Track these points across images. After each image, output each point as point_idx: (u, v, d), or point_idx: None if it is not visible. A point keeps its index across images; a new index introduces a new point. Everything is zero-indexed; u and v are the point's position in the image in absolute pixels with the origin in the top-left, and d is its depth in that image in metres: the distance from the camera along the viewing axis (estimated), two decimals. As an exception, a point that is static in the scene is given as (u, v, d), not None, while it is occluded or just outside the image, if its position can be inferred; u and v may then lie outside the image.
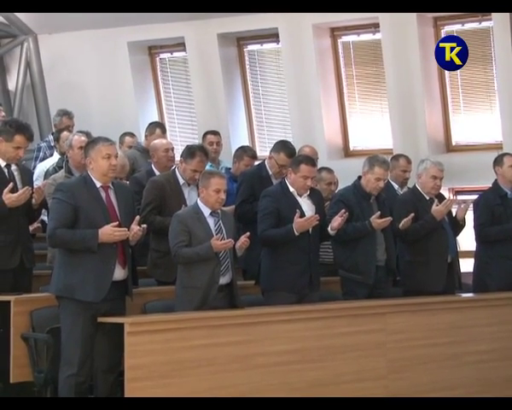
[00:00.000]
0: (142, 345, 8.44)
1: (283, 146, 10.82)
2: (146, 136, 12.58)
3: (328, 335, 9.40)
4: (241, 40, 14.57)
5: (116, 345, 8.49)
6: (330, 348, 9.36)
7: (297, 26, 13.60)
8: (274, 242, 9.60)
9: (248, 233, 9.08)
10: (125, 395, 8.31)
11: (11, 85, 15.58)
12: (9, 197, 8.92)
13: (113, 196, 8.61)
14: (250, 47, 14.77)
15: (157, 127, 12.64)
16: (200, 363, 8.70)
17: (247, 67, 14.83)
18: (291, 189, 9.66)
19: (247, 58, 14.82)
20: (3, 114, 13.28)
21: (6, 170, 9.26)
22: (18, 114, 15.38)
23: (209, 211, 8.99)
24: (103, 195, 8.54)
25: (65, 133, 11.96)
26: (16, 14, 14.92)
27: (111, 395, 8.64)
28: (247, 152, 12.09)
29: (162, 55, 15.42)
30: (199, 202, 9.13)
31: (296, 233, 9.32)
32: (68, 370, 8.43)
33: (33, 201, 9.36)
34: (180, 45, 14.83)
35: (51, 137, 13.49)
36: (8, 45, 15.49)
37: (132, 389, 8.26)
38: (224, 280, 9.10)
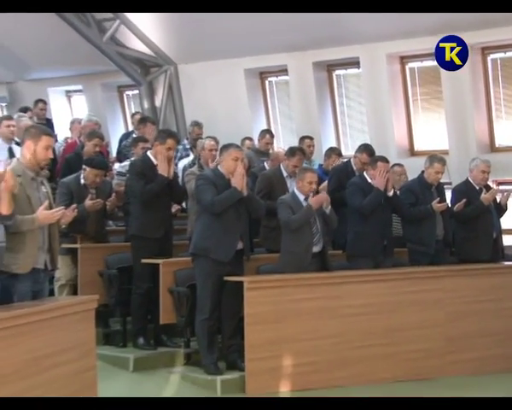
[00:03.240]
0: (257, 298, 8.63)
1: (365, 148, 10.79)
2: (259, 139, 12.60)
3: (398, 292, 9.34)
4: (331, 66, 14.46)
5: (237, 298, 8.59)
6: (399, 303, 9.30)
7: (374, 55, 13.44)
8: (367, 209, 9.55)
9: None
10: (245, 336, 8.51)
11: (158, 103, 15.64)
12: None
13: None
14: (337, 72, 14.65)
15: (267, 133, 12.70)
16: (300, 312, 8.81)
17: (335, 87, 14.74)
18: (369, 180, 9.65)
19: (334, 80, 14.71)
20: (203, 131, 13.39)
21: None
22: (163, 124, 15.44)
23: (303, 197, 9.04)
24: (231, 185, 8.69)
25: (199, 141, 11.91)
26: (161, 47, 14.95)
27: (234, 336, 8.84)
28: (334, 151, 12.08)
29: (270, 79, 15.38)
30: (295, 190, 9.22)
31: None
32: (202, 315, 8.67)
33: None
34: (283, 71, 14.74)
35: (186, 142, 13.57)
36: (155, 73, 15.57)
37: (250, 331, 8.52)
38: (316, 249, 9.16)
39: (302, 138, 12.27)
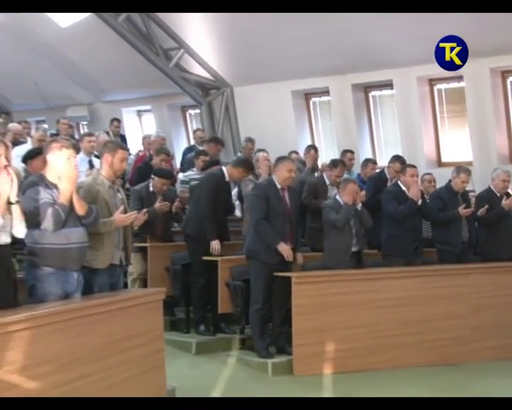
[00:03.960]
0: (303, 291, 8.64)
1: (397, 158, 10.85)
2: (304, 154, 12.56)
3: (427, 287, 9.27)
4: (367, 88, 14.42)
5: (286, 291, 8.58)
6: (428, 296, 9.22)
7: (406, 77, 13.41)
8: (400, 216, 9.53)
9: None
10: (293, 325, 8.55)
11: (216, 121, 15.63)
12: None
13: (287, 195, 8.78)
14: (373, 93, 14.58)
15: (311, 148, 12.61)
16: (341, 303, 8.82)
17: (371, 106, 14.67)
18: (403, 188, 9.59)
19: (371, 100, 14.64)
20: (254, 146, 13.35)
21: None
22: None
23: (343, 202, 9.06)
24: (281, 194, 8.73)
25: (255, 154, 12.02)
26: (219, 72, 15.02)
27: (283, 324, 8.87)
28: (370, 161, 12.17)
29: (313, 99, 15.35)
30: (337, 197, 9.24)
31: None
32: (255, 306, 8.70)
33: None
34: (326, 92, 14.74)
35: (239, 155, 13.60)
36: (214, 94, 15.61)
37: (297, 320, 8.55)
38: (354, 248, 9.20)
39: (344, 152, 12.24)
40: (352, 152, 12.22)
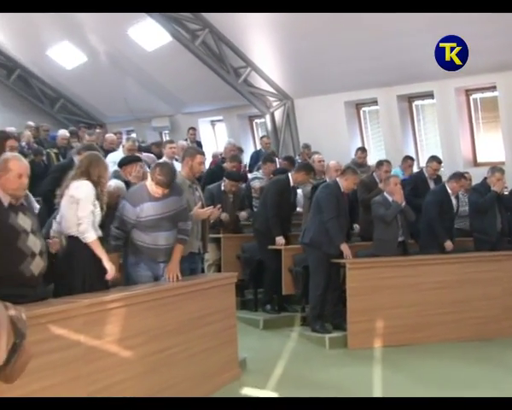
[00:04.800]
0: (356, 276, 8.65)
1: (434, 158, 10.78)
2: (355, 155, 12.49)
3: (464, 272, 9.19)
4: (411, 98, 14.26)
5: (340, 275, 8.74)
6: (465, 280, 9.16)
7: (445, 89, 13.23)
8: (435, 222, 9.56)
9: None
10: (347, 304, 8.56)
11: (278, 129, 15.66)
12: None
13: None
14: (416, 102, 14.41)
15: (359, 150, 12.53)
16: (389, 286, 8.82)
17: (414, 114, 14.48)
18: (449, 191, 9.68)
19: (414, 109, 14.47)
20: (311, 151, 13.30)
21: None
22: (282, 144, 15.52)
23: (391, 198, 9.03)
24: (344, 196, 8.86)
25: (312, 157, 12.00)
26: (281, 86, 15.05)
27: (338, 304, 8.93)
28: (408, 158, 12.08)
29: (363, 109, 15.23)
30: (385, 193, 9.19)
31: None
32: (317, 291, 8.72)
33: None
34: (374, 102, 14.62)
35: (297, 158, 13.65)
36: (277, 105, 15.55)
37: (351, 301, 8.60)
38: (400, 238, 9.16)
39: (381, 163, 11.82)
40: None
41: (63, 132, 13.92)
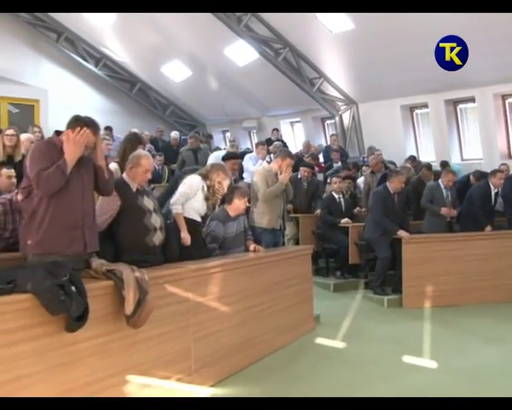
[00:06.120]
0: (411, 248, 8.55)
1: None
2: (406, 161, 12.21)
3: (500, 246, 8.97)
4: (456, 102, 13.86)
5: (398, 247, 8.48)
6: (500, 253, 8.93)
7: (484, 94, 12.85)
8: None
9: None
10: (403, 272, 8.39)
11: (345, 129, 15.47)
12: None
13: (396, 197, 8.73)
14: (460, 106, 13.98)
15: (409, 159, 12.32)
16: (438, 257, 8.63)
17: (459, 116, 14.05)
18: (493, 189, 9.29)
19: (458, 111, 14.04)
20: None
21: None
22: (348, 144, 15.36)
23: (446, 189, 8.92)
24: (392, 197, 8.70)
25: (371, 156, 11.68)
26: (347, 93, 14.88)
27: (397, 271, 8.70)
28: (446, 165, 11.59)
29: (416, 112, 14.87)
30: (440, 182, 9.12)
31: None
32: (381, 258, 8.63)
33: None
34: (425, 106, 14.26)
35: (361, 158, 13.52)
36: (344, 109, 15.37)
37: (406, 269, 8.46)
38: (448, 218, 9.09)
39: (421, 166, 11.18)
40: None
41: (175, 134, 14.31)
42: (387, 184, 8.76)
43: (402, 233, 8.45)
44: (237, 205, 6.63)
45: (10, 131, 7.41)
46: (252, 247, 6.60)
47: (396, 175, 8.77)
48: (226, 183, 6.30)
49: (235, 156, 8.57)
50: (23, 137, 7.86)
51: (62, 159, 4.24)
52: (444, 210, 8.93)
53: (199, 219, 6.18)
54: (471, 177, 10.64)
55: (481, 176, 10.21)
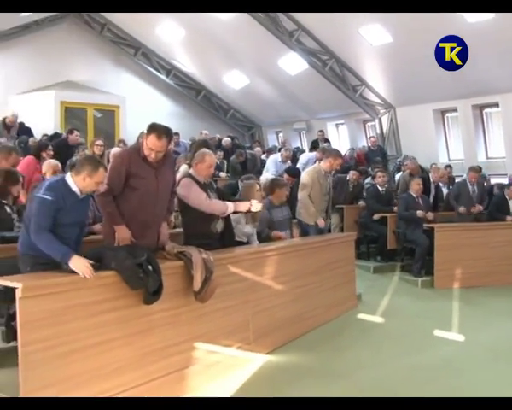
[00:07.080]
0: (442, 236, 8.30)
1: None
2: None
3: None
4: (482, 107, 13.36)
5: (431, 236, 8.25)
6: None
7: (507, 100, 12.29)
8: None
9: None
10: (435, 256, 8.13)
11: (384, 130, 15.12)
12: None
13: (420, 200, 8.64)
14: (485, 110, 13.46)
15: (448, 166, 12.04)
16: (466, 245, 8.41)
17: (484, 119, 13.54)
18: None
19: (484, 115, 13.53)
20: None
21: None
22: (387, 142, 15.02)
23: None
24: (417, 200, 8.59)
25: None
26: (386, 98, 14.54)
27: (430, 256, 8.39)
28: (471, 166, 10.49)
29: (447, 115, 14.39)
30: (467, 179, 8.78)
31: None
32: (418, 244, 8.36)
33: None
34: (455, 110, 13.78)
35: (397, 161, 13.20)
36: (383, 113, 14.98)
37: (438, 255, 8.21)
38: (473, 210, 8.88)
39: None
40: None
41: (227, 140, 13.96)
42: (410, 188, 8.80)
43: (422, 213, 8.38)
44: (278, 194, 6.56)
45: (99, 142, 7.61)
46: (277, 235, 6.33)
47: (412, 179, 8.90)
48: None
49: (295, 175, 8.06)
50: (112, 151, 8.05)
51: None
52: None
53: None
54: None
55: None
